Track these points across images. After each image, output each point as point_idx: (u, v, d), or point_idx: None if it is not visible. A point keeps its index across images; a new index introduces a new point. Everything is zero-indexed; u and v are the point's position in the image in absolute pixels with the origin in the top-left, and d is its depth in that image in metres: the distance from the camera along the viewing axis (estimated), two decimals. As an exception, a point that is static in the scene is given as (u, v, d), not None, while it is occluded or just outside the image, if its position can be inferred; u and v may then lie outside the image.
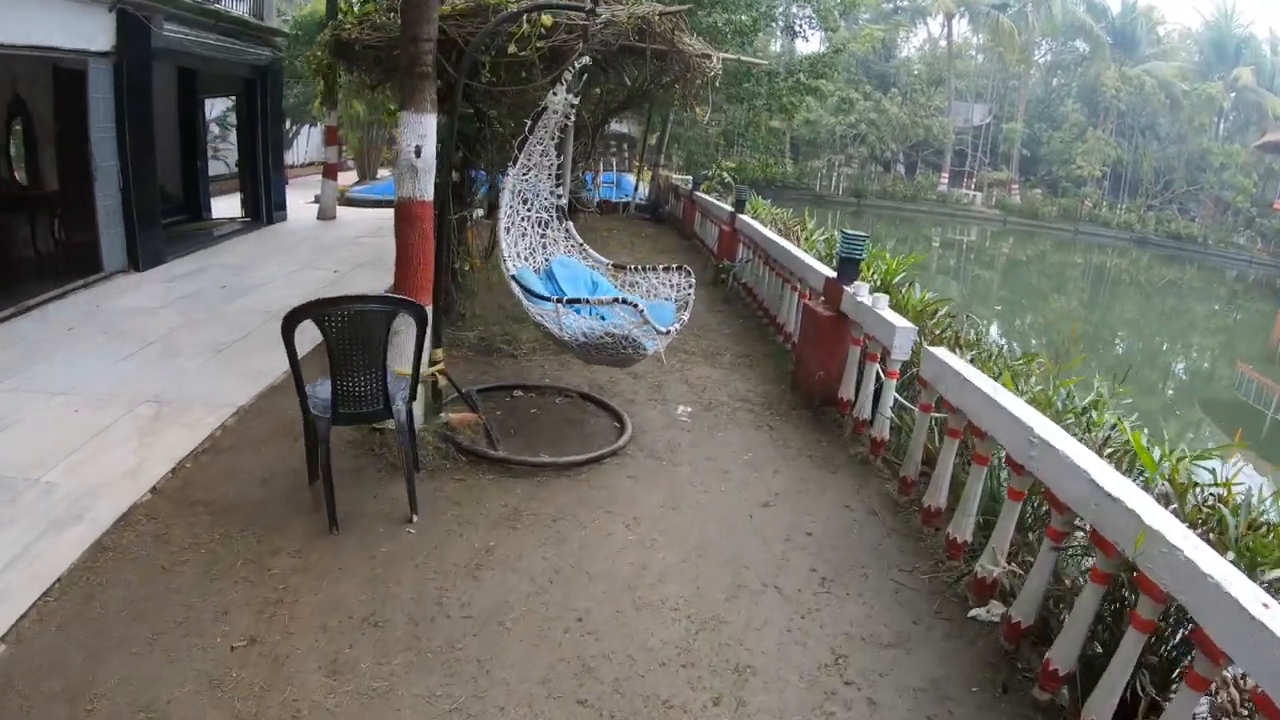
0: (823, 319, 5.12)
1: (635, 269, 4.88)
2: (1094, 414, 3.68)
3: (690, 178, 15.02)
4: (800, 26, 14.68)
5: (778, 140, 25.20)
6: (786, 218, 9.85)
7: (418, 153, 3.72)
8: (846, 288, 4.97)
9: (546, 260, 4.78)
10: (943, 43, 38.76)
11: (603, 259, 4.95)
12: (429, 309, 3.96)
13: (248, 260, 9.05)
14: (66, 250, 8.31)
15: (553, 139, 4.59)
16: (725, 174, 17.91)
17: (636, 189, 16.48)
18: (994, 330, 18.21)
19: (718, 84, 5.81)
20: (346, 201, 14.27)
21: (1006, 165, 36.34)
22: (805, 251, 6.94)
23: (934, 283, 20.97)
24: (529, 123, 4.30)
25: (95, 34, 7.34)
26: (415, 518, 3.56)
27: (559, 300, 4.00)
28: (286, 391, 4.79)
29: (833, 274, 5.38)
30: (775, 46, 25.18)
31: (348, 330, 3.11)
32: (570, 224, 4.93)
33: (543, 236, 4.83)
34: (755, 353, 6.52)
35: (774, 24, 14.24)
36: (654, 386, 5.42)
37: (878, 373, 4.51)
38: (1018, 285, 24.08)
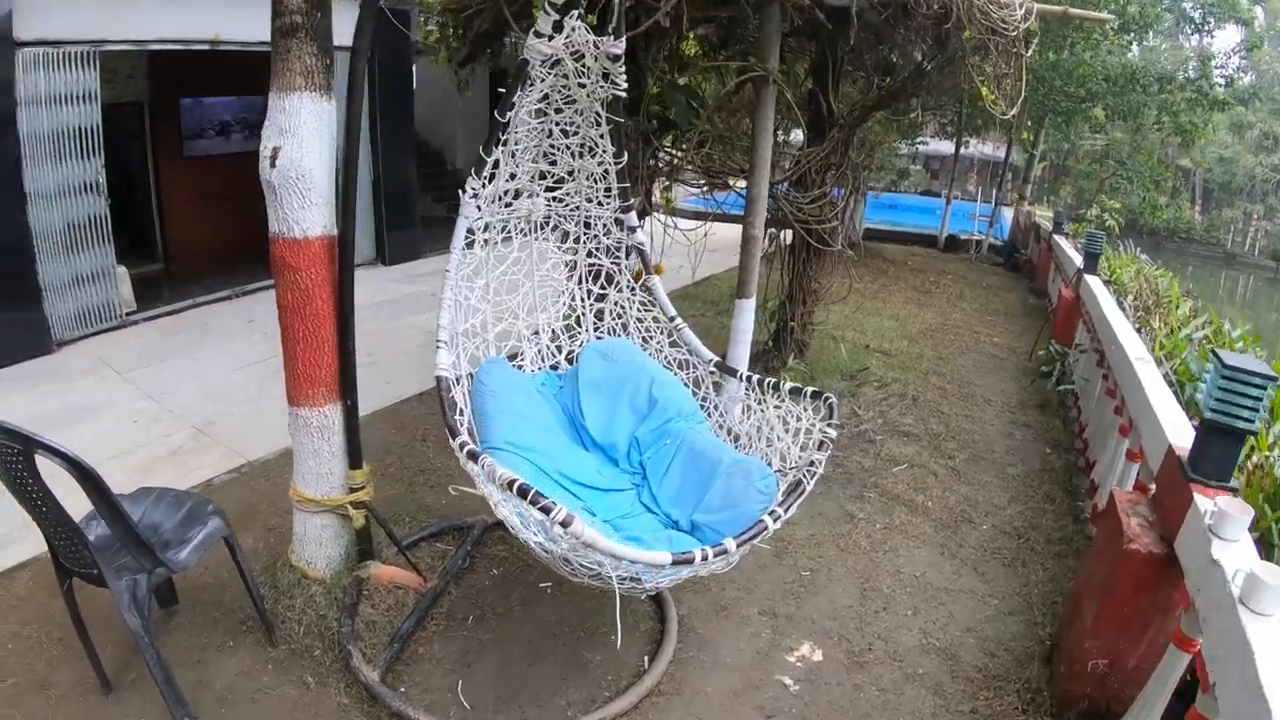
0: (1134, 554, 2.17)
1: (754, 384, 2.45)
2: None
3: (1052, 214, 10.94)
4: (1199, 17, 10.10)
5: (1178, 177, 18.51)
6: (1172, 290, 5.77)
7: (273, 160, 1.96)
8: (1199, 496, 2.03)
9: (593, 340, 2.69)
10: None
11: (706, 352, 2.65)
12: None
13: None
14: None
15: (596, 125, 2.41)
16: (1108, 215, 13.12)
17: (992, 225, 12.68)
18: None
19: (1031, 49, 3.16)
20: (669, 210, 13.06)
21: None
22: (1157, 360, 3.51)
23: None
24: (502, 94, 2.25)
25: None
26: (192, 723, 2.07)
27: (472, 452, 1.91)
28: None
29: (1181, 447, 2.33)
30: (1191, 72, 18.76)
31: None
32: (656, 279, 2.70)
33: (600, 301, 2.72)
34: (1036, 535, 3.35)
35: (1170, 13, 9.93)
36: (793, 583, 2.87)
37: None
38: None
